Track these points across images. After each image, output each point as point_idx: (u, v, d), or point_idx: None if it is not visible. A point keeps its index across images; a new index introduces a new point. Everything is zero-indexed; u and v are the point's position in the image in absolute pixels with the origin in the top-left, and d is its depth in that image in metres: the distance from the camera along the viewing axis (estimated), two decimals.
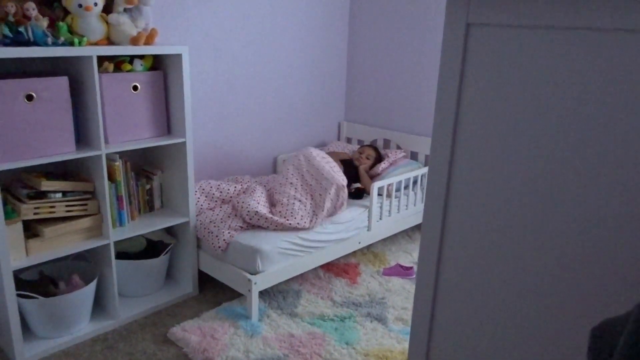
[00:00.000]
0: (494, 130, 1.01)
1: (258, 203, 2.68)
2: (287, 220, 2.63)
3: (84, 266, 2.51)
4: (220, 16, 3.03)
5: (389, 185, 3.09)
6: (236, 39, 3.15)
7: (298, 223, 2.63)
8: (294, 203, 2.70)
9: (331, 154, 3.44)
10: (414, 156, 3.64)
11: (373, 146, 3.53)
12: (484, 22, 0.96)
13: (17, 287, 2.16)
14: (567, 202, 0.95)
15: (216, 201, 2.87)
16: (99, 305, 2.53)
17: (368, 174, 3.35)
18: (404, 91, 3.64)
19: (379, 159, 3.46)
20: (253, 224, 2.64)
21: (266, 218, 2.60)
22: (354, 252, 3.21)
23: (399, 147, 3.68)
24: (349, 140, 4.00)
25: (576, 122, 0.91)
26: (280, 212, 2.69)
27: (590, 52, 0.87)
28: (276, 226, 2.62)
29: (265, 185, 2.99)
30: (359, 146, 3.66)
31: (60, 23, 2.07)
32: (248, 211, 2.61)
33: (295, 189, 2.79)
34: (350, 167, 3.34)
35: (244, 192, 2.91)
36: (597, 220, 0.92)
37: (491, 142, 1.02)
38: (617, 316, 0.64)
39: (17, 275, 2.29)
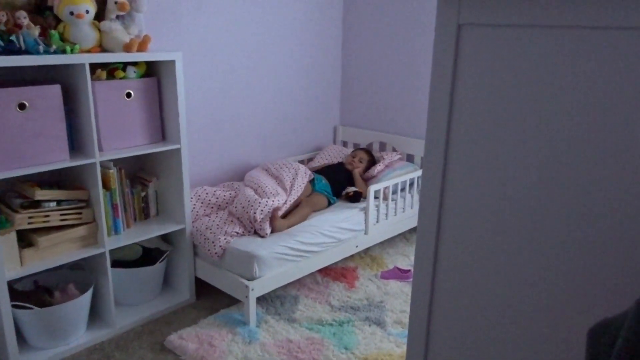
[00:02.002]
0: (488, 130, 1.01)
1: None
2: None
3: (79, 275, 2.49)
4: (213, 22, 3.02)
5: (385, 188, 3.08)
6: (230, 45, 3.15)
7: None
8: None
9: (322, 165, 3.45)
10: (410, 158, 3.64)
11: (365, 149, 3.53)
12: (475, 22, 0.95)
13: (12, 298, 2.14)
14: (564, 203, 0.94)
15: (212, 207, 2.85)
16: (95, 314, 2.51)
17: (362, 177, 3.35)
18: (399, 94, 3.64)
19: (373, 161, 3.46)
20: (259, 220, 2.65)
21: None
22: (352, 256, 3.19)
23: (395, 150, 3.68)
24: (344, 144, 4.00)
25: (571, 121, 0.90)
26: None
27: (583, 51, 0.87)
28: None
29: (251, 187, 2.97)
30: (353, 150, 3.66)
31: (52, 31, 2.06)
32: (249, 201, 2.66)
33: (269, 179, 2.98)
34: (341, 171, 3.33)
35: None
36: (593, 223, 0.91)
37: (485, 143, 1.02)
38: (613, 316, 0.63)
39: (12, 285, 2.26)
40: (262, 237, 2.62)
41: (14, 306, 2.14)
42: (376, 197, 3.07)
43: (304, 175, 3.03)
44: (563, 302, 0.98)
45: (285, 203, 2.80)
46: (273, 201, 2.69)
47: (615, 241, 0.89)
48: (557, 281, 0.98)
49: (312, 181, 3.12)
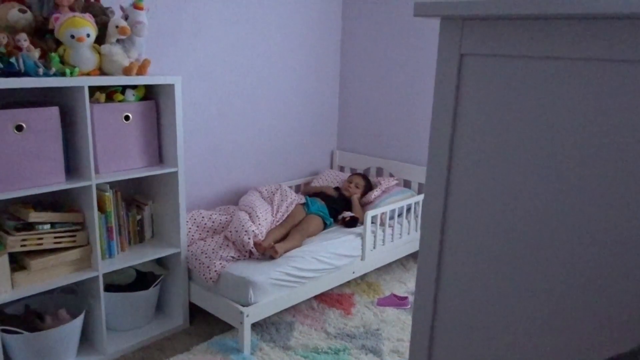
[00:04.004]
0: (490, 158, 1.01)
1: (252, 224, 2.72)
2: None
3: (71, 299, 2.45)
4: (212, 46, 3.05)
5: (382, 213, 3.07)
6: (229, 69, 3.17)
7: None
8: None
9: (317, 189, 3.43)
10: (407, 184, 3.64)
11: (362, 174, 3.53)
12: (477, 52, 0.96)
13: (2, 322, 2.10)
14: (569, 230, 0.93)
15: (207, 231, 2.83)
16: (86, 340, 2.46)
17: (359, 202, 3.34)
18: (397, 120, 3.66)
19: (369, 187, 3.45)
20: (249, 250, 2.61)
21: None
22: (348, 282, 3.16)
23: (392, 176, 3.68)
24: (341, 169, 4.00)
25: (571, 150, 0.90)
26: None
27: (583, 81, 0.87)
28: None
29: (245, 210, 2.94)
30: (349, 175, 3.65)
31: (52, 54, 2.07)
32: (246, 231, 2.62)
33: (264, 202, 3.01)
34: (338, 196, 3.31)
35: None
36: (597, 255, 0.90)
37: (486, 171, 1.02)
38: (624, 353, 0.62)
39: (2, 309, 2.22)
40: (259, 258, 2.60)
41: (3, 330, 2.09)
42: (373, 223, 3.05)
43: (291, 203, 3.04)
44: (572, 329, 0.96)
45: (268, 231, 2.80)
46: (260, 231, 2.69)
47: (627, 268, 0.88)
48: (565, 308, 0.96)
49: (305, 204, 3.11)
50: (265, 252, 2.61)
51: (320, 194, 3.30)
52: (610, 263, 0.89)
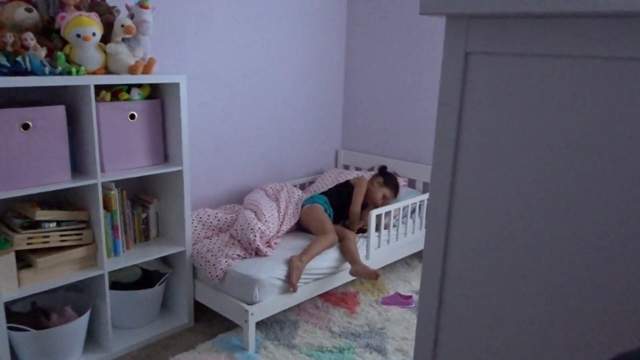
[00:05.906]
0: (495, 157, 1.00)
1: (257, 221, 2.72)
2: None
3: (77, 297, 2.46)
4: (217, 45, 3.05)
5: (386, 213, 3.07)
6: (233, 68, 3.17)
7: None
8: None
9: (357, 180, 3.28)
10: (411, 183, 3.64)
11: (397, 190, 3.31)
12: (483, 50, 0.96)
13: (8, 319, 2.11)
14: (573, 230, 0.93)
15: (213, 230, 2.83)
16: (92, 337, 2.47)
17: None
18: (401, 118, 3.65)
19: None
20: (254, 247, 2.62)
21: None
22: (353, 281, 3.16)
23: (396, 174, 3.67)
24: (346, 168, 4.00)
25: (578, 149, 0.90)
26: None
27: (590, 80, 0.87)
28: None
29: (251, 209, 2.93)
30: (381, 179, 3.29)
31: (59, 53, 2.08)
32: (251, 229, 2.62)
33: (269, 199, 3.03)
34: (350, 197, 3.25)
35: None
36: (603, 255, 0.90)
37: (492, 170, 1.01)
38: (629, 351, 0.62)
39: (9, 306, 2.24)
40: (264, 256, 2.61)
41: (9, 328, 2.11)
42: (378, 223, 3.05)
43: (299, 199, 3.03)
44: (578, 328, 0.96)
45: (278, 232, 2.81)
46: (267, 227, 2.70)
47: (631, 268, 0.88)
48: (571, 307, 0.96)
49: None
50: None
51: (333, 193, 3.23)
52: (617, 262, 0.89)
